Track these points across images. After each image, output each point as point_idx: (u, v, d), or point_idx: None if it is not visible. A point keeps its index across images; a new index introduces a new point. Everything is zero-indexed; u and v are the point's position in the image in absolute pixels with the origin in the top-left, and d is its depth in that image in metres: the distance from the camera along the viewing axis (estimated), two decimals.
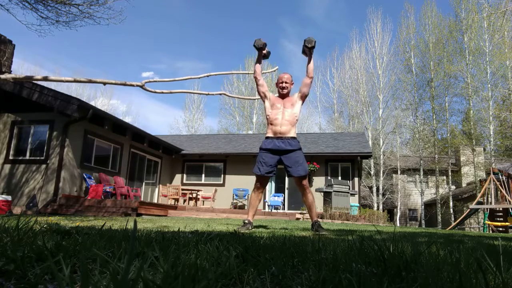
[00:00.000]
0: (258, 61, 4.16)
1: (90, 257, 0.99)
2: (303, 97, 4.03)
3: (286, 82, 4.05)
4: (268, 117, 4.00)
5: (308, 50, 4.00)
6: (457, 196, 23.08)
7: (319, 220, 4.48)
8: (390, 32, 27.29)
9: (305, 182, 3.91)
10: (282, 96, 4.09)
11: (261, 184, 3.94)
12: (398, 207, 26.14)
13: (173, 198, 13.52)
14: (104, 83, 3.73)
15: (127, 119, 35.42)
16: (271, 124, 3.95)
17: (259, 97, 4.28)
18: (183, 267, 0.76)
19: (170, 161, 16.08)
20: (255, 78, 4.13)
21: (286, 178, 14.77)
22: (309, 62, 4.02)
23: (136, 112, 67.96)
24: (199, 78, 4.50)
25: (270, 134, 3.95)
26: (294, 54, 56.97)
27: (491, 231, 14.14)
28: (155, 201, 14.59)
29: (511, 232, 13.37)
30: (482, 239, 3.63)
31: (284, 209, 14.45)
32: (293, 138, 3.92)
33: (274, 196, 14.14)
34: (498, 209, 15.25)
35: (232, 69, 38.51)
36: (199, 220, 6.55)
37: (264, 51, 4.16)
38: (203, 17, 60.11)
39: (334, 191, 12.22)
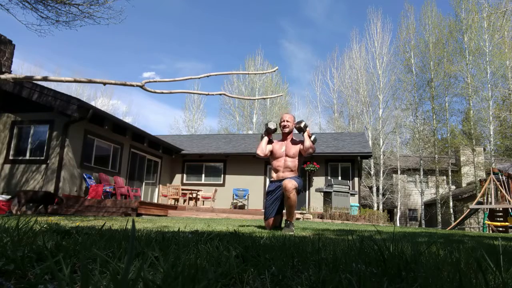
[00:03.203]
0: (265, 144, 4.35)
1: (90, 257, 0.99)
2: (304, 153, 4.20)
3: (287, 121, 4.35)
4: (272, 165, 4.38)
5: (298, 132, 4.32)
6: (457, 196, 23.08)
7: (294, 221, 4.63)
8: (390, 32, 27.32)
9: (288, 187, 3.97)
10: (285, 136, 4.35)
11: (270, 222, 4.22)
12: (398, 207, 26.14)
13: (173, 198, 13.51)
14: (104, 83, 3.72)
15: (127, 119, 35.42)
16: (274, 171, 4.33)
17: (259, 97, 4.40)
18: (183, 267, 0.76)
19: (170, 161, 16.09)
20: (258, 156, 4.37)
21: None
22: (304, 142, 4.19)
23: (136, 112, 68.04)
24: (199, 78, 4.49)
25: (273, 178, 4.33)
26: (294, 55, 57.00)
27: (491, 231, 14.14)
28: (155, 201, 14.59)
29: (511, 232, 13.37)
30: (482, 239, 3.63)
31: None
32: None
33: None
34: (498, 209, 15.25)
35: (232, 69, 38.54)
36: (199, 220, 6.55)
37: (274, 132, 4.44)
38: (203, 17, 60.13)
39: (334, 191, 12.22)
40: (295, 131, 4.43)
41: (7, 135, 10.22)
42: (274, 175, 4.28)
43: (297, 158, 4.21)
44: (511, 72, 20.28)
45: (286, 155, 4.21)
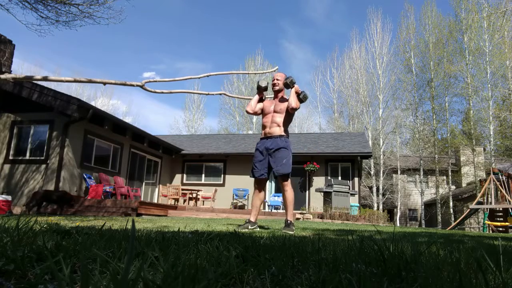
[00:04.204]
0: (255, 101, 4.36)
1: (90, 257, 0.99)
2: (289, 110, 4.14)
3: (277, 79, 4.30)
4: (262, 122, 4.35)
5: (286, 88, 4.27)
6: (457, 196, 23.08)
7: (295, 219, 4.50)
8: (390, 32, 27.33)
9: (286, 181, 4.00)
10: (276, 94, 4.33)
11: (258, 184, 4.18)
12: (398, 207, 26.13)
13: (173, 198, 13.52)
14: (104, 83, 3.73)
15: (127, 119, 35.40)
16: (262, 127, 4.30)
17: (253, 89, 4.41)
18: (183, 267, 0.76)
19: (170, 161, 16.08)
20: (248, 112, 4.39)
21: None
22: (290, 99, 4.14)
23: (136, 112, 68.08)
24: (199, 78, 4.50)
25: (262, 136, 4.29)
26: (294, 55, 57.01)
27: (491, 231, 14.14)
28: (155, 201, 14.59)
29: (511, 232, 13.37)
30: (482, 239, 3.63)
31: (284, 209, 14.43)
32: (281, 136, 4.13)
33: (274, 196, 14.15)
34: (498, 209, 15.25)
35: (232, 69, 38.54)
36: (199, 220, 6.55)
37: (265, 90, 4.43)
38: (203, 17, 60.13)
39: (334, 191, 12.22)
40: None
41: (7, 135, 10.22)
42: (262, 132, 4.28)
43: (284, 113, 4.17)
44: (511, 72, 20.27)
45: (274, 111, 4.20)
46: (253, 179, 4.19)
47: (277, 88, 4.27)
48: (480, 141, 22.71)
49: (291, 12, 56.68)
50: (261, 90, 4.35)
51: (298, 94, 4.14)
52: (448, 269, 0.95)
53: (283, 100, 4.24)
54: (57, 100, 9.59)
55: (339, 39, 61.88)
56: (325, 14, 55.74)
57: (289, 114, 4.19)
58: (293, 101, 4.05)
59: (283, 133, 4.14)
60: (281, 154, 4.02)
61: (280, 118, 4.14)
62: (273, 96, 4.39)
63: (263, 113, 4.32)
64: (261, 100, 4.40)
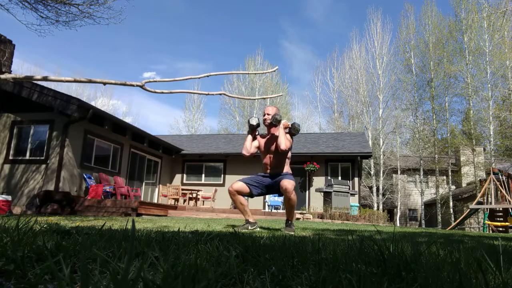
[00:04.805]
0: (249, 142, 4.13)
1: (90, 257, 0.99)
2: (280, 150, 3.93)
3: (268, 114, 4.11)
4: (262, 162, 4.17)
5: (274, 127, 4.08)
6: (457, 196, 23.07)
7: (297, 219, 4.44)
8: (390, 32, 27.33)
9: (289, 188, 3.76)
10: (268, 129, 4.15)
11: (238, 190, 3.91)
12: (398, 207, 26.13)
13: (173, 198, 13.51)
14: (104, 83, 3.72)
15: (127, 119, 35.39)
16: (264, 168, 4.11)
17: (259, 97, 4.33)
18: (183, 267, 0.76)
19: (170, 161, 16.08)
20: (244, 155, 4.15)
21: None
22: (278, 139, 3.93)
23: (136, 112, 68.12)
24: (199, 78, 4.48)
25: (264, 171, 4.12)
26: (294, 55, 57.02)
27: (491, 231, 14.14)
28: (155, 201, 14.59)
29: (511, 232, 13.37)
30: (482, 239, 3.63)
31: (284, 209, 14.43)
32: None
33: (274, 196, 14.14)
34: (498, 209, 15.25)
35: (232, 69, 38.53)
36: (199, 220, 6.55)
37: (257, 128, 4.22)
38: (203, 17, 60.13)
39: (334, 191, 12.22)
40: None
41: (7, 135, 10.21)
42: (263, 170, 4.14)
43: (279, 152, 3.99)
44: (511, 72, 20.27)
45: (270, 151, 4.02)
46: None
47: (267, 123, 4.07)
48: (480, 141, 22.70)
49: (291, 12, 56.70)
50: (253, 128, 4.11)
51: (289, 128, 3.96)
52: (448, 269, 0.95)
53: (275, 137, 4.00)
54: (57, 100, 9.59)
55: (339, 39, 61.95)
56: (325, 14, 55.77)
57: (283, 151, 3.93)
58: (282, 142, 3.82)
59: (287, 170, 4.03)
60: (285, 175, 3.95)
61: (278, 160, 3.98)
62: (266, 131, 4.20)
63: (260, 151, 4.14)
64: (255, 138, 4.18)
